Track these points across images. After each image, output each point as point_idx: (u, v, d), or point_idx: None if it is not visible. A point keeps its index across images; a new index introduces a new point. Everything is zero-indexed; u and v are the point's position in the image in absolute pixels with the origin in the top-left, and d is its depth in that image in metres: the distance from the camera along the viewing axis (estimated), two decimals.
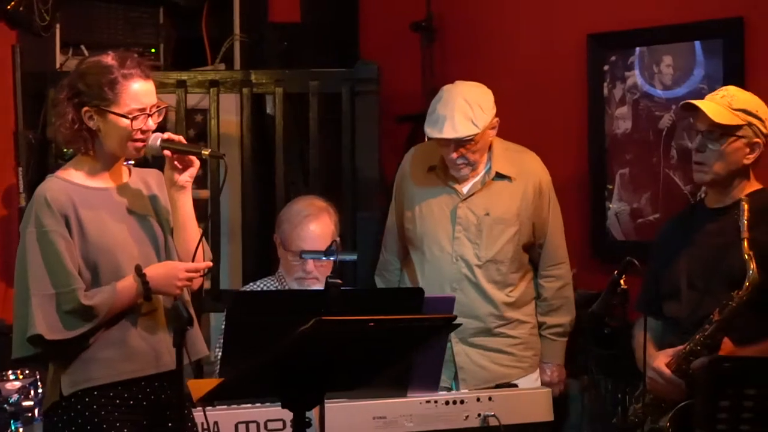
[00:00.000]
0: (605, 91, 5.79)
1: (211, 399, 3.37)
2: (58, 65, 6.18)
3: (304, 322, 3.06)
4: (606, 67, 5.79)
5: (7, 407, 4.25)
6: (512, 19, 6.17)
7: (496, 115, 5.01)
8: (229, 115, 6.18)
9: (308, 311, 3.23)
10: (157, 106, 3.73)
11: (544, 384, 5.02)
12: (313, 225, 4.87)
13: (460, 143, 4.90)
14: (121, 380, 3.67)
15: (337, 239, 4.84)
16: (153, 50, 6.52)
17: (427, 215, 5.08)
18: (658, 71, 5.63)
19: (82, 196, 3.70)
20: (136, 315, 3.69)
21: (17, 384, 4.32)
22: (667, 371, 4.13)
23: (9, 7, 5.71)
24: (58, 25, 6.09)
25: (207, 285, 5.72)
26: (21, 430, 4.25)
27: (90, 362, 3.65)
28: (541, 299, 5.10)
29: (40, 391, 4.34)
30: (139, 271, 3.61)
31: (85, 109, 3.69)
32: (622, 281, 3.97)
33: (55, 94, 3.80)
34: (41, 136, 5.96)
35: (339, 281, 3.95)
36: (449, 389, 4.90)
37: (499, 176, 5.03)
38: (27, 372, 4.39)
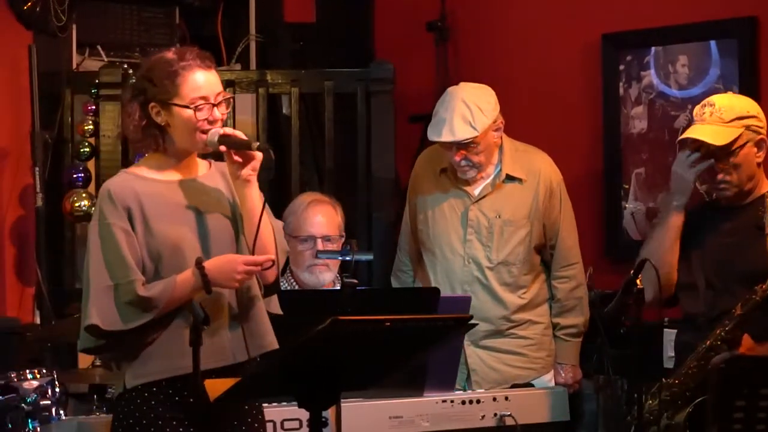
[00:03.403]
0: (621, 90, 5.79)
1: (227, 399, 3.37)
2: (74, 65, 6.20)
3: (320, 322, 3.07)
4: (621, 67, 5.79)
5: (25, 406, 4.25)
6: (526, 19, 6.17)
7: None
8: (244, 115, 6.19)
9: (324, 311, 3.24)
10: (224, 97, 3.73)
11: (558, 385, 5.02)
12: (319, 209, 4.88)
13: (461, 146, 4.90)
14: (179, 375, 3.65)
15: (353, 240, 4.85)
16: None
17: (439, 217, 5.08)
18: (673, 71, 5.63)
19: (149, 189, 3.70)
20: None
21: (35, 383, 4.32)
22: None
23: (25, 7, 5.73)
24: (74, 26, 6.11)
25: None
26: (38, 429, 4.26)
27: (150, 357, 3.66)
28: (555, 300, 5.09)
29: (57, 390, 4.35)
30: (198, 264, 3.62)
31: (151, 105, 3.70)
32: (637, 281, 3.98)
33: (123, 96, 3.82)
34: (57, 136, 5.98)
35: (355, 281, 3.96)
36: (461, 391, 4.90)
37: (510, 178, 5.02)
38: (44, 371, 4.40)
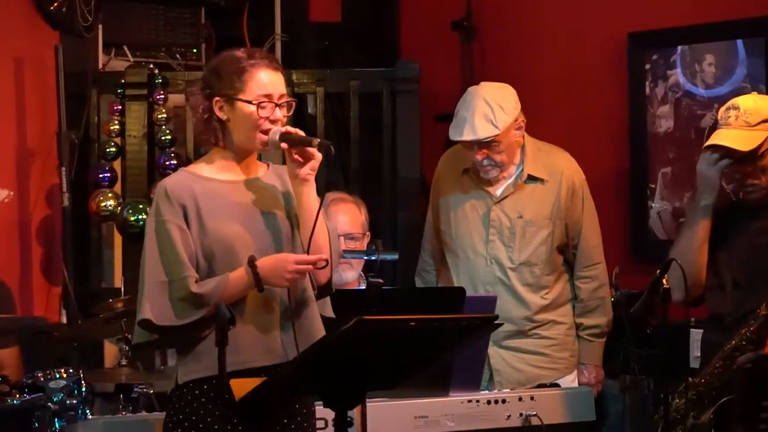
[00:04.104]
0: (647, 89, 5.78)
1: (253, 398, 3.38)
2: (100, 65, 6.22)
3: (345, 322, 3.07)
4: (647, 66, 5.78)
5: (52, 405, 4.28)
6: (552, 18, 6.17)
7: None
8: None
9: (350, 311, 3.24)
10: (286, 99, 3.76)
11: (581, 385, 5.00)
12: (341, 207, 4.88)
13: (482, 144, 4.89)
14: (229, 372, 3.65)
15: (379, 240, 4.85)
16: (194, 50, 6.56)
17: (461, 218, 5.07)
18: (699, 70, 5.61)
19: (206, 187, 3.73)
20: (250, 307, 3.70)
21: (62, 382, 4.35)
22: None
23: (51, 8, 5.76)
24: (100, 26, 6.13)
25: None
26: (65, 428, 4.28)
27: (202, 353, 3.67)
28: (578, 300, 5.08)
29: (84, 389, 4.37)
30: (251, 262, 3.64)
31: (216, 99, 3.74)
32: (664, 281, 3.96)
33: (190, 90, 3.86)
34: (84, 136, 6.01)
35: (380, 281, 3.96)
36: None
37: (532, 178, 5.00)
38: (71, 370, 4.42)
